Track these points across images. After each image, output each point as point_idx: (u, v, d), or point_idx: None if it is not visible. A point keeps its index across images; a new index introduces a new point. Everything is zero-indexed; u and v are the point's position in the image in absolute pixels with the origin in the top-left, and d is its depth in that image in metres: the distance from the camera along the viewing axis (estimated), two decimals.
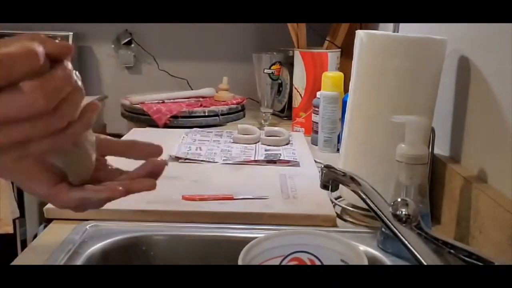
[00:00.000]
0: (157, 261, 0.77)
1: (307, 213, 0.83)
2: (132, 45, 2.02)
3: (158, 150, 0.56)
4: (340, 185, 0.69)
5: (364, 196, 0.64)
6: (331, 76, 1.26)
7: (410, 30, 1.07)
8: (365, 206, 0.65)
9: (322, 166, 0.70)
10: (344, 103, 1.14)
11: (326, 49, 1.47)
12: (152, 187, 0.53)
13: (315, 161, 1.14)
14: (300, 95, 1.45)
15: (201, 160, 1.12)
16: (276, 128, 1.36)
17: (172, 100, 1.63)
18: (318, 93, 1.30)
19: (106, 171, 0.55)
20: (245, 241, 0.57)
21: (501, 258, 0.52)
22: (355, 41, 0.86)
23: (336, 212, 0.85)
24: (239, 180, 1.00)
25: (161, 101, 1.60)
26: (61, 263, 0.68)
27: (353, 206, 0.87)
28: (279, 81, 1.57)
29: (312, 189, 0.92)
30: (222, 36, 2.00)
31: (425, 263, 0.56)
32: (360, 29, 0.87)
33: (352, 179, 0.66)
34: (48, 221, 0.83)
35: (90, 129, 0.47)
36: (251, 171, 1.06)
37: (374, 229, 0.79)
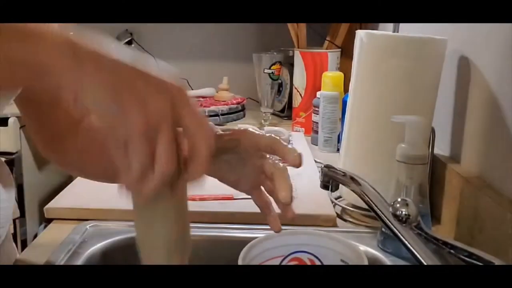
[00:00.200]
0: None
1: (307, 213, 0.83)
2: (132, 45, 2.02)
3: (296, 162, 0.60)
4: (340, 185, 0.69)
5: (364, 196, 0.64)
6: (331, 76, 1.26)
7: (410, 30, 1.07)
8: (365, 206, 0.65)
9: (322, 166, 0.70)
10: (344, 103, 1.14)
11: (326, 49, 1.47)
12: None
13: (315, 161, 1.14)
14: (300, 95, 1.45)
15: None
16: (276, 128, 1.36)
17: None
18: (318, 93, 1.30)
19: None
20: (245, 241, 0.57)
21: (501, 258, 0.52)
22: (355, 41, 0.86)
23: (336, 212, 0.85)
24: None
25: None
26: (61, 263, 0.68)
27: (353, 206, 0.87)
28: (279, 81, 1.57)
29: (312, 189, 0.92)
30: (222, 36, 2.00)
31: (425, 263, 0.56)
32: (360, 29, 0.87)
33: (352, 179, 0.66)
34: (48, 221, 0.83)
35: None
36: None
37: (374, 229, 0.79)
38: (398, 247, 0.66)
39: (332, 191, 0.75)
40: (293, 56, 1.49)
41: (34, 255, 0.72)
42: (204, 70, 2.00)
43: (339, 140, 1.22)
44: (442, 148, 0.90)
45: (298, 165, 0.59)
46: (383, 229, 0.73)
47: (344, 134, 0.89)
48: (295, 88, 1.47)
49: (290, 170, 0.97)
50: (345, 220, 0.85)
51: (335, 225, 0.82)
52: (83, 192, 0.88)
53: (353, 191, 0.66)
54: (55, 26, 0.42)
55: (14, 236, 1.56)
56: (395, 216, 0.59)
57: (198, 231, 0.79)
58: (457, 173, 0.79)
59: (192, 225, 0.83)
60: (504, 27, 0.69)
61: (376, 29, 1.30)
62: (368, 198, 0.63)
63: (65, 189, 0.93)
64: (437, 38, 0.81)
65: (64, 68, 0.40)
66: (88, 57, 0.41)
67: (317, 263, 0.60)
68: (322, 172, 0.70)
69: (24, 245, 1.51)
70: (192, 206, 0.86)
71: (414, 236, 0.58)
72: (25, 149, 1.58)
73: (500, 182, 0.70)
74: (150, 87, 0.41)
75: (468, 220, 0.73)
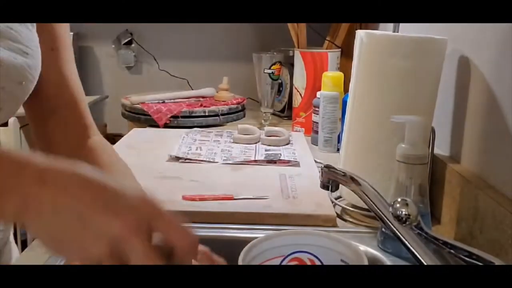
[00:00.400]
0: None
1: (307, 213, 0.83)
2: (133, 45, 2.02)
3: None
4: (340, 185, 0.69)
5: (364, 196, 0.64)
6: (331, 76, 1.26)
7: (410, 30, 1.07)
8: (365, 206, 0.65)
9: (322, 166, 0.70)
10: (344, 103, 1.14)
11: (326, 49, 1.47)
12: None
13: (315, 161, 1.14)
14: (300, 95, 1.45)
15: (201, 160, 1.12)
16: (276, 128, 1.36)
17: (172, 100, 1.63)
18: (318, 93, 1.30)
19: None
20: (245, 241, 0.57)
21: (501, 258, 0.52)
22: (355, 41, 0.86)
23: (336, 212, 0.85)
24: (239, 180, 1.00)
25: (161, 101, 1.60)
26: (61, 263, 0.68)
27: (353, 206, 0.87)
28: (279, 81, 1.57)
29: (312, 189, 0.92)
30: (222, 36, 2.00)
31: (425, 263, 0.56)
32: (360, 29, 0.87)
33: (352, 179, 0.66)
34: None
35: None
36: (251, 171, 1.06)
37: (374, 229, 0.79)
38: (398, 247, 0.66)
39: (332, 191, 0.75)
40: (293, 56, 1.49)
41: (34, 255, 0.71)
42: (204, 70, 2.00)
43: (339, 140, 1.22)
44: (442, 148, 0.90)
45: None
46: (383, 229, 0.73)
47: (344, 134, 0.89)
48: (295, 88, 1.47)
49: (290, 170, 0.98)
50: (345, 220, 0.85)
51: (335, 225, 0.82)
52: None
53: (353, 191, 0.66)
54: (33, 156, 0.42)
55: (14, 236, 1.56)
56: (395, 216, 0.59)
57: (198, 231, 0.79)
58: (457, 173, 0.79)
59: (192, 225, 0.83)
60: (504, 27, 0.69)
61: (376, 29, 1.30)
62: (368, 198, 0.63)
63: None
64: (437, 38, 0.81)
65: (26, 192, 0.40)
66: (53, 181, 0.40)
67: (317, 263, 0.60)
68: (322, 172, 0.70)
69: (24, 245, 1.51)
70: (192, 206, 0.86)
71: (414, 236, 0.58)
72: (25, 149, 1.58)
73: (500, 182, 0.70)
74: (117, 207, 0.40)
75: (468, 220, 0.73)
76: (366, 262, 0.54)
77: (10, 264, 0.76)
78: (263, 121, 1.49)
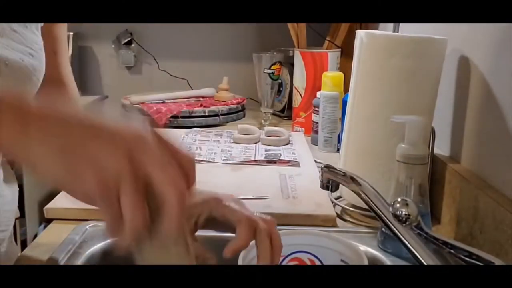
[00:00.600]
0: None
1: (307, 213, 0.83)
2: (132, 45, 2.02)
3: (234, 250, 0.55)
4: (340, 185, 0.69)
5: (364, 196, 0.64)
6: (331, 76, 1.26)
7: (410, 30, 1.07)
8: (365, 206, 0.65)
9: (322, 166, 0.70)
10: (344, 103, 1.14)
11: (326, 49, 1.47)
12: None
13: (315, 161, 1.14)
14: (300, 95, 1.45)
15: (201, 160, 1.12)
16: (276, 128, 1.36)
17: (172, 100, 1.63)
18: (318, 93, 1.30)
19: None
20: None
21: (501, 258, 0.52)
22: (355, 41, 0.86)
23: (336, 212, 0.85)
24: (239, 180, 1.00)
25: (161, 101, 1.60)
26: (61, 263, 0.68)
27: (353, 206, 0.87)
28: (279, 81, 1.57)
29: (312, 189, 0.92)
30: (222, 36, 2.00)
31: (425, 263, 0.56)
32: (360, 29, 0.87)
33: (352, 179, 0.66)
34: (48, 221, 0.83)
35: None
36: (251, 171, 1.06)
37: (374, 229, 0.79)
38: (398, 247, 0.66)
39: (332, 191, 0.75)
40: (293, 56, 1.49)
41: (34, 255, 0.71)
42: (204, 70, 2.00)
43: (339, 140, 1.22)
44: (442, 148, 0.90)
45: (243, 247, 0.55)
46: (383, 229, 0.73)
47: (344, 134, 0.89)
48: (295, 88, 1.47)
49: (290, 170, 0.98)
50: (345, 220, 0.85)
51: (335, 225, 0.82)
52: None
53: (353, 191, 0.66)
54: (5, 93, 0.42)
55: (14, 236, 1.56)
56: (395, 216, 0.59)
57: (198, 231, 0.79)
58: (457, 173, 0.79)
59: None
60: (504, 27, 0.69)
61: (376, 29, 1.30)
62: (368, 198, 0.63)
63: None
64: (437, 38, 0.81)
65: (10, 137, 0.40)
66: (34, 123, 0.40)
67: (317, 263, 0.60)
68: (322, 172, 0.70)
69: (24, 245, 1.51)
70: None
71: (414, 236, 0.58)
72: None
73: (500, 182, 0.70)
74: (102, 143, 0.40)
75: (468, 220, 0.73)
76: (366, 262, 0.55)
77: (10, 264, 0.76)
78: (263, 121, 1.49)
